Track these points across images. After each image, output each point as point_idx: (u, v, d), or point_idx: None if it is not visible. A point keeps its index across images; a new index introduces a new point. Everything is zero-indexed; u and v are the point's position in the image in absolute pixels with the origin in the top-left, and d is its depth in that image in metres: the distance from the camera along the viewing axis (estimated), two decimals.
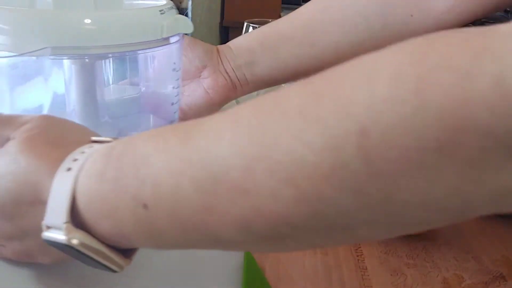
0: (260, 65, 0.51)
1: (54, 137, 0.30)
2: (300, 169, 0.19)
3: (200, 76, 0.51)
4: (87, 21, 0.34)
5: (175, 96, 0.44)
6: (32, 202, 0.28)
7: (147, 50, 0.37)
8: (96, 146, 0.28)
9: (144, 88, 0.47)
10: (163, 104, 0.44)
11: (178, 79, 0.44)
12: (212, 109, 0.52)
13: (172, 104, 0.44)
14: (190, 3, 2.00)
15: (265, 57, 0.51)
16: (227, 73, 0.51)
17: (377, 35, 0.50)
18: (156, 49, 0.38)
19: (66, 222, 0.25)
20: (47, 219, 0.26)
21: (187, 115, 0.50)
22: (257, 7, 2.26)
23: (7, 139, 0.31)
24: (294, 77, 0.54)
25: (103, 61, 0.42)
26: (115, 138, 0.28)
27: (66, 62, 0.39)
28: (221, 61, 0.51)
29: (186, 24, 0.40)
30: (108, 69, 0.45)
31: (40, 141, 0.29)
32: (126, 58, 0.44)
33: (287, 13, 0.54)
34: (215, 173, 0.21)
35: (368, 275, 0.36)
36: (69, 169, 0.26)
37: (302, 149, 0.19)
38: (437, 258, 0.40)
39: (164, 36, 0.38)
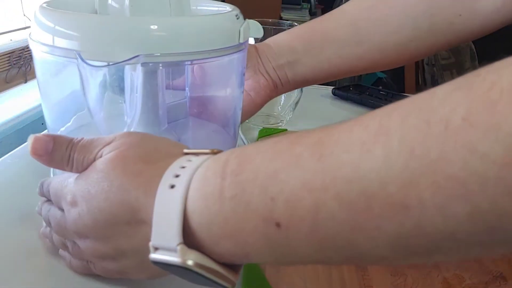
0: (303, 64, 0.50)
1: (144, 153, 0.28)
2: (477, 184, 0.17)
3: None
4: (172, 28, 0.33)
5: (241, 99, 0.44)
6: (129, 221, 0.27)
7: (226, 57, 0.37)
8: (195, 159, 0.26)
9: (211, 94, 0.46)
10: (232, 109, 0.44)
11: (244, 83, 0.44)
12: (254, 110, 0.52)
13: (240, 108, 0.44)
14: None
15: (309, 56, 0.50)
16: (267, 73, 0.50)
17: (423, 34, 0.49)
18: (233, 54, 0.37)
19: (179, 244, 0.24)
20: (156, 240, 0.24)
21: None
22: (257, 7, 2.26)
23: (93, 160, 0.29)
24: (336, 76, 0.53)
25: (173, 67, 0.41)
26: (213, 150, 0.27)
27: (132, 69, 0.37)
28: (261, 61, 0.50)
29: (257, 28, 0.40)
30: (174, 75, 0.45)
31: (131, 158, 0.28)
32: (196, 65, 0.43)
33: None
34: (367, 189, 0.19)
35: (368, 275, 0.36)
36: (172, 186, 0.25)
37: (478, 162, 0.17)
38: None
39: (241, 41, 0.37)
